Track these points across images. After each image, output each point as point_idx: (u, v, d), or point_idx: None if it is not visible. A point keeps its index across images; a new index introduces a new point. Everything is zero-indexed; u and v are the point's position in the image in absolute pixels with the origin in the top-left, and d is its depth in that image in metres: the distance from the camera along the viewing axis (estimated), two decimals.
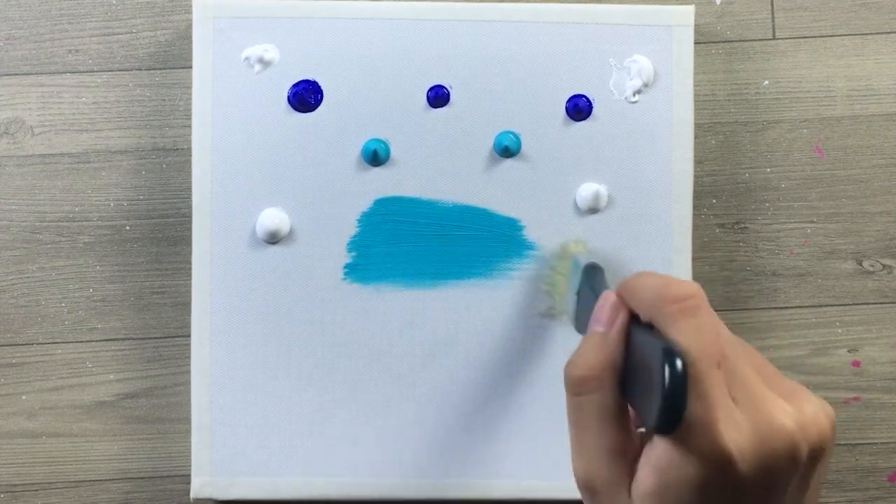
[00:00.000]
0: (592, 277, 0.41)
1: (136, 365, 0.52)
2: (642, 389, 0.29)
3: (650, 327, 0.30)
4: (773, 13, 0.53)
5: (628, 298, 0.32)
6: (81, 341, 0.52)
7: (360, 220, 0.49)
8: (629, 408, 0.31)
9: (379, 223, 0.49)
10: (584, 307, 0.40)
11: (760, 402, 0.28)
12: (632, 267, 0.49)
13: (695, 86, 0.50)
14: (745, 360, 0.30)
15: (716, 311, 0.52)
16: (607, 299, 0.32)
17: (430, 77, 0.49)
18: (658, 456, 0.28)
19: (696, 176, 0.51)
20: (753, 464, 0.27)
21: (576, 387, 0.31)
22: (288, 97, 0.49)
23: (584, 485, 0.31)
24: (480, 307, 0.49)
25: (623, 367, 0.31)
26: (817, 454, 0.29)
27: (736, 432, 0.27)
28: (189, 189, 0.50)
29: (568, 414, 0.31)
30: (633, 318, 0.32)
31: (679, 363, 0.27)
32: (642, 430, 0.31)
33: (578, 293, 0.42)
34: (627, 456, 0.30)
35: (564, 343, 0.49)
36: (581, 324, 0.41)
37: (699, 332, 0.29)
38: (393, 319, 0.49)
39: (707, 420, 0.27)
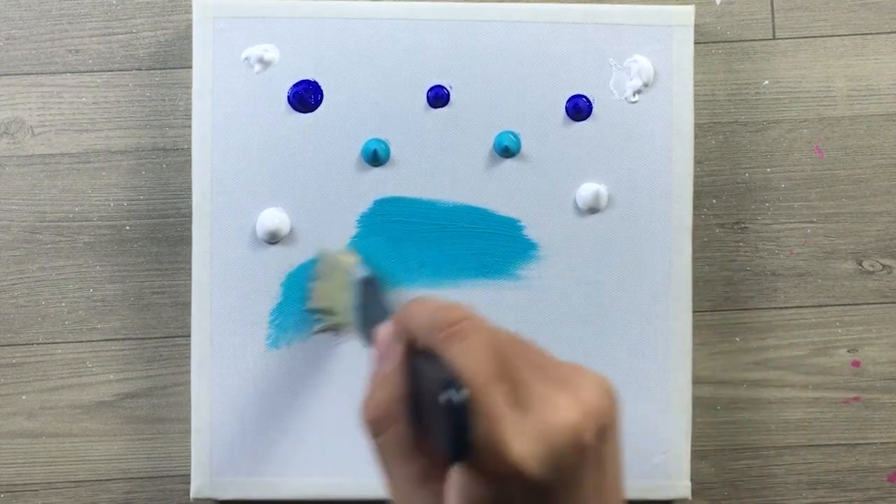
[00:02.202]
0: (371, 291, 0.41)
1: (136, 365, 0.52)
2: (432, 417, 0.30)
3: (429, 354, 0.31)
4: (773, 13, 0.53)
5: (405, 326, 0.32)
6: (81, 341, 0.52)
7: (360, 220, 0.49)
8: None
9: (379, 223, 0.49)
10: (369, 322, 0.39)
11: (541, 402, 0.29)
12: (632, 267, 0.49)
13: (695, 86, 0.50)
14: (525, 365, 0.30)
15: (716, 311, 0.52)
16: (381, 333, 0.33)
17: (430, 77, 0.49)
18: (456, 479, 0.29)
19: (696, 176, 0.51)
20: (544, 467, 0.28)
21: (373, 428, 0.31)
22: (288, 97, 0.49)
23: None
24: (480, 307, 0.49)
25: (412, 396, 0.31)
26: (603, 430, 0.30)
27: (522, 441, 0.28)
28: (189, 189, 0.50)
29: (374, 456, 0.32)
30: (414, 346, 0.32)
31: (455, 389, 0.28)
32: None
33: (360, 306, 0.41)
34: (437, 478, 0.30)
35: (566, 344, 0.49)
36: (368, 339, 0.40)
37: (471, 353, 0.29)
38: None
39: (492, 438, 0.28)
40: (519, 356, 0.31)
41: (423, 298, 0.32)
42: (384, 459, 0.32)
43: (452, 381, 0.28)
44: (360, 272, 0.42)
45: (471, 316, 0.31)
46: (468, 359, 0.29)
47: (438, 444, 0.29)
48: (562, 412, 0.29)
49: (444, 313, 0.30)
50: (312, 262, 0.49)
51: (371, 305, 0.40)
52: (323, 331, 0.49)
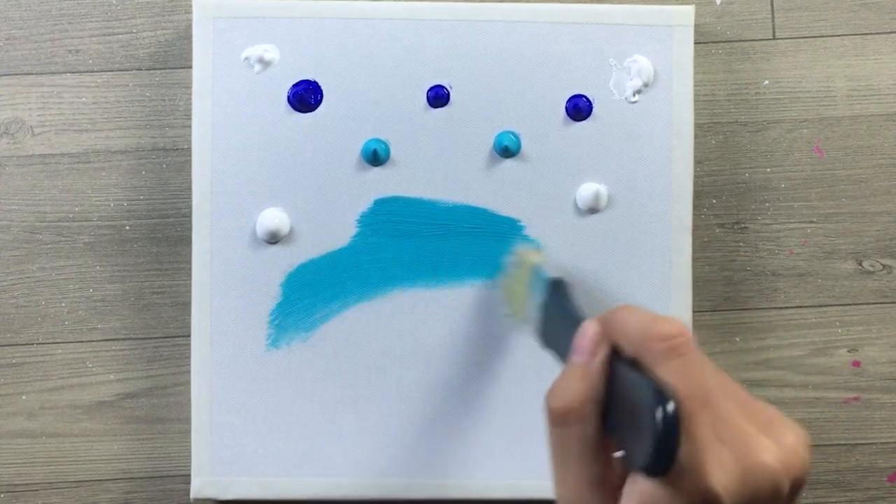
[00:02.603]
0: (559, 293, 0.40)
1: (136, 365, 0.52)
2: (628, 426, 0.29)
3: (633, 362, 0.30)
4: (773, 13, 0.53)
5: (612, 332, 0.31)
6: (81, 341, 0.52)
7: (360, 220, 0.49)
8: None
9: (379, 223, 0.49)
10: (552, 324, 0.40)
11: (745, 441, 0.29)
12: (632, 267, 0.49)
13: (695, 86, 0.50)
14: (727, 397, 0.30)
15: (716, 311, 0.52)
16: (589, 329, 0.32)
17: (430, 77, 0.49)
18: (643, 492, 0.28)
19: (696, 176, 0.51)
20: (738, 502, 0.28)
21: (558, 418, 0.31)
22: (288, 97, 0.49)
23: None
24: (480, 307, 0.49)
25: (604, 400, 0.31)
26: (798, 484, 0.29)
27: (722, 473, 0.28)
28: (189, 189, 0.50)
29: (549, 444, 0.31)
30: (615, 351, 0.31)
31: (671, 407, 0.27)
32: (618, 454, 0.31)
33: (544, 307, 0.41)
34: (609, 486, 0.30)
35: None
36: (547, 340, 0.40)
37: (687, 373, 0.29)
38: (392, 320, 0.49)
39: (695, 461, 0.28)
40: (723, 388, 0.30)
41: (636, 307, 0.32)
42: (561, 453, 0.31)
43: (665, 395, 0.27)
44: (547, 273, 0.42)
45: (688, 333, 0.30)
46: (685, 376, 0.29)
47: (634, 455, 0.29)
48: (765, 455, 0.28)
49: (662, 325, 0.30)
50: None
51: (555, 308, 0.40)
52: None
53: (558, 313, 0.39)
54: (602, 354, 0.31)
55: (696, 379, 0.29)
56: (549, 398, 0.31)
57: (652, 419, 0.27)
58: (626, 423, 0.29)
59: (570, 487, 0.30)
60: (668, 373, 0.29)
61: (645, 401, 0.28)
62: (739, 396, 0.30)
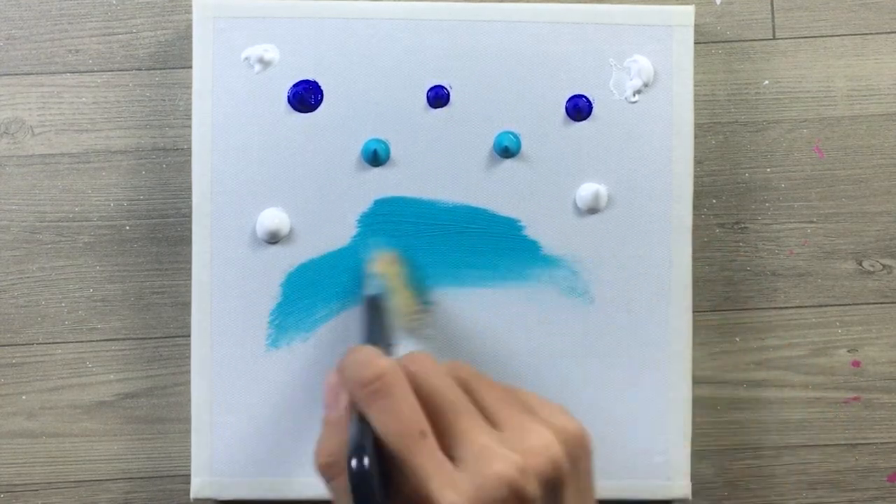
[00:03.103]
0: (375, 311, 0.42)
1: (136, 365, 0.52)
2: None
3: None
4: (773, 13, 0.53)
5: (341, 380, 0.32)
6: (81, 341, 0.52)
7: (359, 220, 0.49)
8: None
9: (379, 223, 0.49)
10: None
11: (478, 456, 0.29)
12: (632, 267, 0.49)
13: (695, 86, 0.50)
14: (465, 411, 0.30)
15: (716, 311, 0.52)
16: (328, 380, 0.33)
17: (430, 77, 0.49)
18: None
19: (696, 176, 0.51)
20: None
21: (326, 473, 0.32)
22: (288, 97, 0.49)
23: None
24: (480, 307, 0.49)
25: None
26: (554, 481, 0.29)
27: (454, 494, 0.28)
28: (189, 189, 0.50)
29: (331, 498, 0.33)
30: None
31: (355, 463, 0.28)
32: None
33: (366, 325, 0.42)
34: None
35: (567, 345, 0.49)
36: None
37: (393, 411, 0.29)
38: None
39: (422, 494, 0.28)
40: (456, 404, 0.30)
41: (354, 351, 0.32)
42: (337, 501, 0.32)
43: (355, 447, 0.29)
44: (371, 289, 0.43)
45: (390, 370, 0.30)
46: (392, 416, 0.29)
47: None
48: (498, 464, 0.29)
49: (363, 370, 0.30)
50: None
51: (374, 326, 0.41)
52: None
53: (375, 333, 0.41)
54: (343, 402, 0.32)
55: (406, 414, 0.29)
56: (315, 459, 0.32)
57: (349, 472, 0.28)
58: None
59: None
60: (375, 416, 0.29)
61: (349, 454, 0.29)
62: (491, 404, 0.31)
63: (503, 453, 0.29)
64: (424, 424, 0.29)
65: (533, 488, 0.29)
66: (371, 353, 0.32)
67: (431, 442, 0.29)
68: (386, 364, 0.31)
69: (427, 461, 0.29)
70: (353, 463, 0.28)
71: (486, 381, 0.32)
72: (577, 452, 0.30)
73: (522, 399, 0.33)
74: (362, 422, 0.30)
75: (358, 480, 0.28)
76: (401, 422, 0.29)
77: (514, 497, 0.28)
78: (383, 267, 0.48)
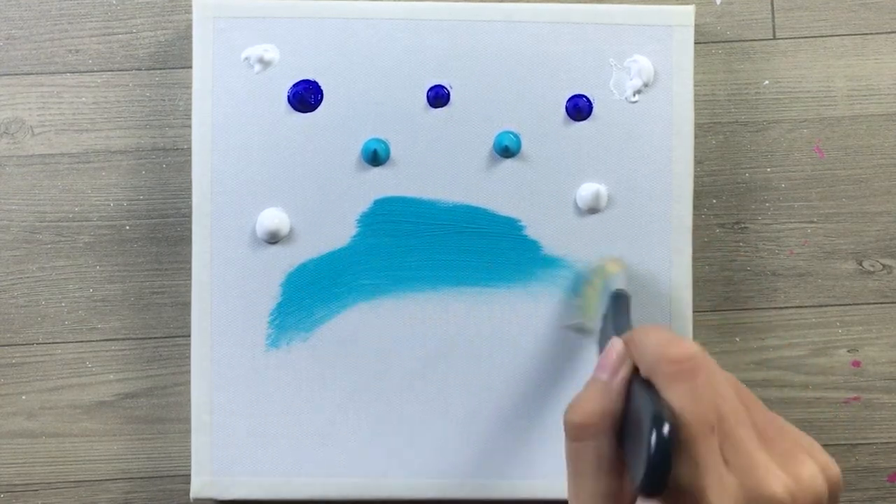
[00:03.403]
0: (617, 306, 0.42)
1: (136, 365, 0.52)
2: (634, 445, 0.30)
3: (648, 383, 0.31)
4: (773, 13, 0.53)
5: (632, 351, 0.32)
6: (81, 341, 0.52)
7: (359, 220, 0.49)
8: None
9: (379, 223, 0.49)
10: (605, 335, 0.41)
11: (753, 468, 0.29)
12: (632, 267, 0.49)
13: (695, 86, 0.50)
14: (744, 422, 0.30)
15: (716, 311, 0.52)
16: (614, 348, 0.33)
17: (430, 77, 0.49)
18: None
19: (696, 176, 0.51)
20: None
21: (575, 432, 0.31)
22: (288, 97, 0.49)
23: None
24: (480, 308, 0.49)
25: (622, 417, 0.31)
26: None
27: (725, 498, 0.28)
28: (189, 189, 0.50)
29: (566, 458, 0.32)
30: (636, 371, 0.32)
31: (666, 429, 0.28)
32: None
33: (605, 317, 0.42)
34: (623, 501, 0.30)
35: (566, 345, 0.49)
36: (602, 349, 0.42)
37: (694, 397, 0.29)
38: (392, 320, 0.49)
39: (696, 486, 0.28)
40: (738, 413, 0.30)
41: (656, 327, 0.32)
42: (576, 466, 0.31)
43: (663, 416, 0.28)
44: (615, 284, 0.44)
45: (700, 355, 0.30)
46: (692, 400, 0.29)
47: (635, 472, 0.29)
48: (774, 485, 0.28)
49: (673, 348, 0.30)
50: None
51: (611, 320, 0.41)
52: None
53: (612, 325, 0.41)
54: (624, 373, 0.32)
55: (704, 403, 0.29)
56: (568, 412, 0.32)
57: (648, 440, 0.28)
58: (634, 442, 0.30)
59: (583, 501, 0.31)
60: (676, 396, 0.29)
61: (645, 422, 0.28)
62: (762, 423, 0.30)
63: (778, 474, 0.29)
64: (714, 419, 0.29)
65: None
66: (676, 335, 0.31)
67: (716, 438, 0.29)
68: (696, 348, 0.30)
69: (709, 455, 0.28)
70: (664, 430, 0.27)
71: (758, 400, 0.32)
72: (836, 495, 0.30)
73: (786, 428, 0.32)
74: (651, 396, 0.30)
75: (662, 448, 0.27)
76: (700, 408, 0.29)
77: None
78: (613, 267, 0.48)
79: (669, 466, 0.27)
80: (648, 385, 0.31)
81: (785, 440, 0.30)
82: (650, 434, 0.28)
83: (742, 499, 0.28)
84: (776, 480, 0.29)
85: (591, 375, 0.33)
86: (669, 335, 0.31)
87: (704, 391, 0.29)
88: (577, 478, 0.31)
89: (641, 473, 0.28)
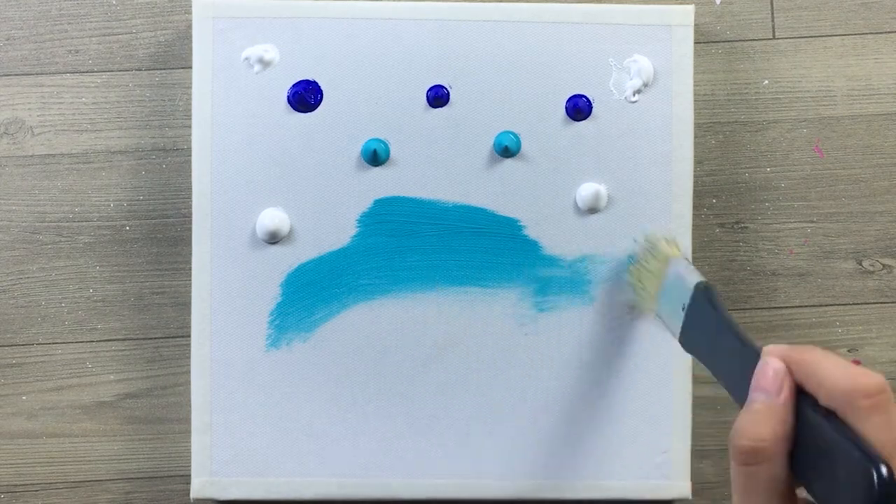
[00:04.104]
0: (708, 301, 0.40)
1: (136, 365, 0.52)
2: (825, 477, 0.29)
3: (824, 409, 0.30)
4: (772, 13, 0.53)
5: (803, 375, 0.31)
6: (81, 341, 0.52)
7: (360, 220, 0.49)
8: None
9: (379, 223, 0.49)
10: (700, 332, 0.40)
11: None
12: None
13: (695, 86, 0.50)
14: None
15: None
16: (772, 366, 0.32)
17: (430, 77, 0.49)
18: None
19: (696, 176, 0.51)
20: None
21: (746, 457, 0.30)
22: (288, 97, 0.49)
23: None
24: (480, 308, 0.49)
25: (794, 441, 0.31)
26: None
27: None
28: (189, 189, 0.50)
29: (735, 482, 0.31)
30: (800, 391, 0.32)
31: (886, 472, 0.27)
32: (805, 495, 0.31)
33: (690, 311, 0.41)
34: None
35: (567, 345, 0.49)
36: (692, 345, 0.41)
37: (891, 429, 0.29)
38: (393, 319, 0.49)
39: None
40: None
41: (827, 353, 0.32)
42: (748, 493, 0.31)
43: (879, 459, 0.28)
44: (687, 272, 0.43)
45: (888, 389, 0.30)
46: (888, 435, 0.28)
47: None
48: None
49: (866, 380, 0.29)
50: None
51: (704, 316, 0.40)
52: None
53: (708, 322, 0.40)
54: (787, 393, 0.31)
55: None
56: (736, 436, 0.31)
57: (870, 487, 0.27)
58: (823, 473, 0.30)
59: None
60: (873, 430, 0.29)
61: (854, 461, 0.28)
62: None
63: None
64: None
65: None
66: (846, 361, 0.31)
67: None
68: (882, 378, 0.30)
69: None
70: (883, 472, 0.27)
71: None
72: None
73: None
74: (837, 427, 0.29)
75: (890, 491, 0.27)
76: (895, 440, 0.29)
77: None
78: (658, 247, 0.47)
79: None
80: (827, 412, 0.30)
81: None
82: (871, 477, 0.27)
83: None
84: None
85: (750, 396, 0.32)
86: (846, 363, 0.31)
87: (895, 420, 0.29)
88: (747, 501, 0.31)
89: None
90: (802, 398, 0.31)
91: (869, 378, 0.30)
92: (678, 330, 0.42)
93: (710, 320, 0.39)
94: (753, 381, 0.32)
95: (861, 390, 0.29)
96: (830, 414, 0.30)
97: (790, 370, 0.32)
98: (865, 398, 0.29)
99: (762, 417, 0.31)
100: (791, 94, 0.52)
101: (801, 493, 0.31)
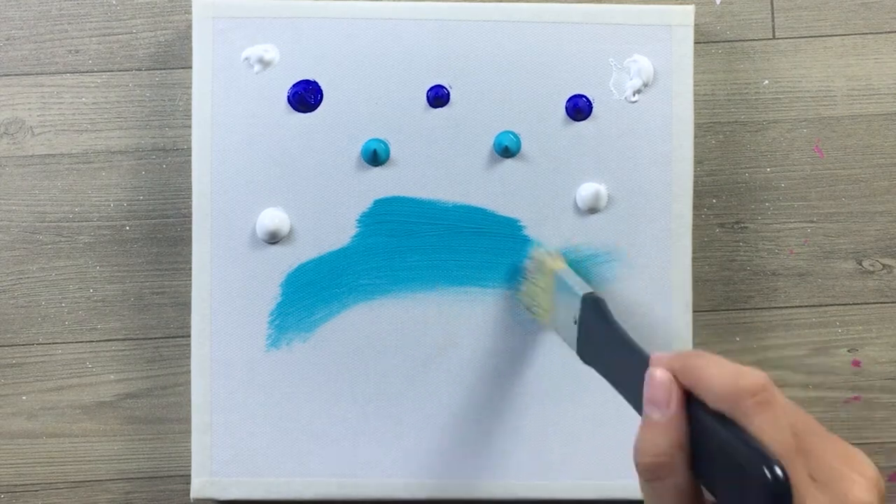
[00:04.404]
0: (597, 312, 0.41)
1: (136, 365, 0.52)
2: (724, 480, 0.30)
3: (714, 413, 0.31)
4: (772, 13, 0.53)
5: (690, 381, 0.32)
6: (81, 341, 0.52)
7: (360, 220, 0.49)
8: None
9: (379, 223, 0.49)
10: (593, 343, 0.40)
11: (838, 480, 0.29)
12: (631, 267, 0.49)
13: (695, 86, 0.50)
14: (816, 435, 0.30)
15: (716, 311, 0.52)
16: (657, 379, 0.32)
17: (430, 77, 0.49)
18: None
19: (696, 176, 0.51)
20: None
21: (649, 473, 0.31)
22: (288, 97, 0.49)
23: None
24: (480, 307, 0.49)
25: (692, 448, 0.31)
26: None
27: None
28: (189, 189, 0.50)
29: (645, 497, 0.31)
30: (689, 397, 0.32)
31: (780, 473, 0.28)
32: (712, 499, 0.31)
33: (582, 323, 0.41)
34: None
35: (565, 345, 0.49)
36: (588, 357, 0.41)
37: (778, 424, 0.29)
38: (392, 320, 0.49)
39: None
40: (809, 429, 0.30)
41: (711, 356, 0.32)
42: None
43: (770, 460, 0.28)
44: (574, 283, 0.43)
45: (771, 384, 0.30)
46: (776, 429, 0.29)
47: None
48: (858, 490, 0.29)
49: (748, 379, 0.30)
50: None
51: (596, 327, 0.40)
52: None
53: (600, 333, 0.40)
54: (677, 402, 0.31)
55: (786, 428, 0.29)
56: (638, 454, 0.31)
57: (764, 487, 0.28)
58: (722, 475, 0.30)
59: None
60: (761, 428, 0.29)
61: (750, 465, 0.28)
62: (823, 435, 0.31)
63: (857, 479, 0.29)
64: (800, 439, 0.29)
65: None
66: (729, 363, 0.31)
67: (803, 459, 0.29)
68: (764, 374, 0.30)
69: (802, 479, 0.28)
70: (777, 472, 0.28)
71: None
72: (883, 493, 0.31)
73: (830, 434, 0.33)
74: (728, 429, 0.30)
75: (783, 491, 0.28)
76: (785, 435, 0.29)
77: None
78: (543, 262, 0.47)
79: None
80: (718, 415, 0.30)
81: (839, 445, 0.31)
82: (765, 480, 0.28)
83: None
84: (859, 486, 0.29)
85: (644, 412, 0.32)
86: (731, 365, 0.31)
87: (783, 415, 0.29)
88: None
89: None
90: (695, 403, 0.31)
91: (750, 377, 0.30)
92: (574, 343, 0.42)
93: (601, 331, 0.40)
94: (644, 395, 0.32)
95: (744, 390, 0.30)
96: (722, 416, 0.30)
97: (677, 378, 0.32)
98: (749, 398, 0.29)
99: (658, 432, 0.31)
100: (791, 94, 0.52)
101: (710, 496, 0.31)
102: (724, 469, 0.30)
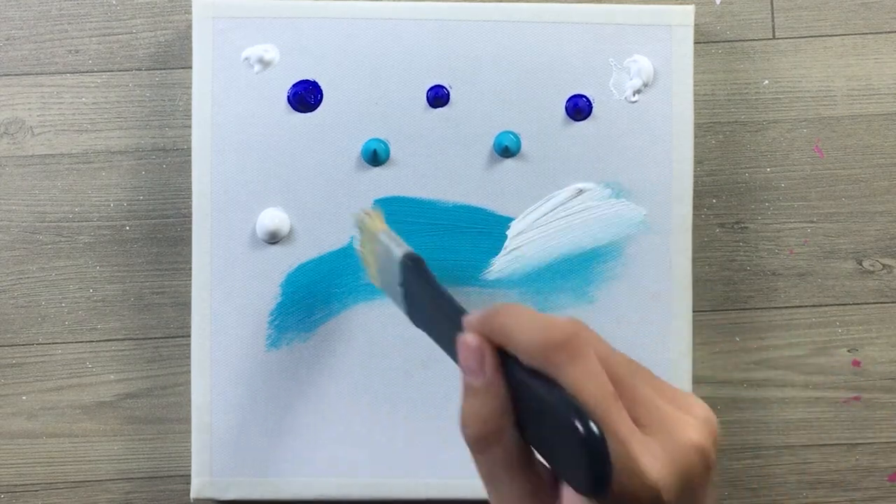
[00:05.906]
0: (416, 272, 0.38)
1: (136, 365, 0.52)
2: (549, 440, 0.28)
3: (529, 368, 0.29)
4: (772, 13, 0.53)
5: (504, 341, 0.30)
6: (81, 341, 0.52)
7: None
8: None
9: None
10: (418, 305, 0.38)
11: (666, 422, 0.28)
12: (631, 267, 0.49)
13: (695, 85, 0.50)
14: (639, 378, 0.29)
15: (716, 311, 0.52)
16: (468, 344, 0.30)
17: (430, 77, 0.49)
18: (584, 500, 0.27)
19: (696, 176, 0.51)
20: (677, 487, 0.27)
21: (477, 444, 0.29)
22: (288, 97, 0.49)
23: None
24: (480, 307, 0.49)
25: (516, 409, 0.30)
26: (716, 450, 0.29)
27: (655, 462, 0.27)
28: (189, 189, 0.50)
29: (478, 470, 0.30)
30: (503, 353, 0.30)
31: (594, 426, 0.26)
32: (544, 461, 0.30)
33: (405, 285, 0.39)
34: (543, 495, 0.29)
35: None
36: (417, 320, 0.39)
37: (591, 372, 0.28)
38: (392, 320, 0.49)
39: (626, 462, 0.27)
40: (634, 371, 0.29)
41: (514, 307, 0.30)
42: (490, 476, 0.30)
43: (583, 411, 0.27)
44: (393, 245, 0.40)
45: (581, 329, 0.29)
46: (589, 377, 0.27)
47: (567, 475, 0.28)
48: (689, 432, 0.28)
49: (554, 331, 0.28)
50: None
51: (417, 288, 0.38)
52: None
53: (423, 295, 0.37)
54: (491, 367, 0.30)
55: (601, 376, 0.28)
56: (463, 427, 0.30)
57: (578, 440, 0.26)
58: (544, 434, 0.29)
59: None
60: (573, 379, 0.28)
61: (562, 419, 0.27)
62: (645, 375, 0.30)
63: (687, 419, 0.29)
64: (611, 385, 0.28)
65: (713, 456, 0.29)
66: (541, 314, 0.29)
67: (627, 403, 0.28)
68: (574, 321, 0.29)
69: (623, 425, 0.27)
70: (587, 422, 0.26)
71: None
72: (716, 434, 0.30)
73: (657, 378, 0.31)
74: (543, 384, 0.28)
75: (596, 445, 0.26)
76: (600, 381, 0.27)
77: (703, 463, 0.28)
78: (374, 223, 0.43)
79: (608, 463, 0.26)
80: (533, 372, 0.29)
81: (667, 387, 0.30)
82: (580, 438, 0.26)
83: (668, 457, 0.27)
84: (689, 426, 0.28)
85: (463, 380, 0.30)
86: (538, 317, 0.29)
87: (596, 364, 0.28)
88: (494, 485, 0.30)
89: (585, 480, 0.26)
90: (511, 362, 0.29)
91: (558, 329, 0.28)
92: (403, 306, 0.40)
93: (424, 292, 0.37)
94: (460, 365, 0.31)
95: (553, 343, 0.28)
96: (538, 373, 0.29)
97: (489, 339, 0.30)
98: (559, 350, 0.28)
99: (478, 399, 0.29)
100: (791, 94, 0.52)
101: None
102: (546, 429, 0.28)
